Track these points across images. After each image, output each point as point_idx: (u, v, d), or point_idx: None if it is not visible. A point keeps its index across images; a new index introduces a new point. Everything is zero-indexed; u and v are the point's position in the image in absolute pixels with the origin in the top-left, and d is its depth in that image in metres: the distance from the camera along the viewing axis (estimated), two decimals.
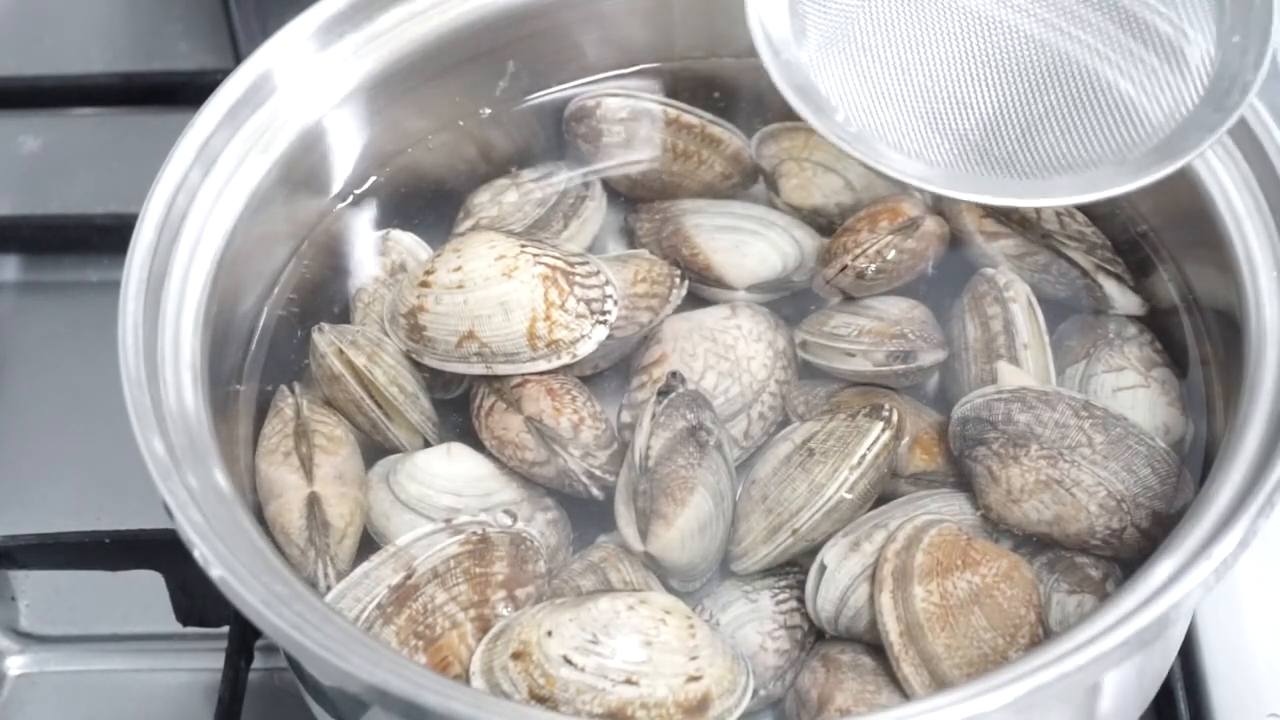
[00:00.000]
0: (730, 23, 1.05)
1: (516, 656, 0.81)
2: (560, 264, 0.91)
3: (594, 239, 1.02)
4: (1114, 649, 0.73)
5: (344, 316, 0.98)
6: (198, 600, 0.98)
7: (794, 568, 0.89)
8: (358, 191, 1.01)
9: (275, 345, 0.96)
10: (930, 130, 0.85)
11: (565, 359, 0.91)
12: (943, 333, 0.95)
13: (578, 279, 0.92)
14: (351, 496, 0.88)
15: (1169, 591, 0.75)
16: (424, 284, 0.91)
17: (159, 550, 0.96)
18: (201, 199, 0.90)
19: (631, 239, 1.02)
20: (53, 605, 1.06)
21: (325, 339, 0.92)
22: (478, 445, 0.92)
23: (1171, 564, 0.76)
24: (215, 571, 0.76)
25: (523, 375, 0.91)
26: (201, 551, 0.76)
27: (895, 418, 0.87)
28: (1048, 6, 0.88)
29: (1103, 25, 0.88)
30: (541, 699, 0.79)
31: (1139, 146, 0.84)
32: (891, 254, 0.95)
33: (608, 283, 0.93)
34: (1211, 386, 0.91)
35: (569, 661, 0.79)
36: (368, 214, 1.01)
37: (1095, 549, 0.87)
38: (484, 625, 0.84)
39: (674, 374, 0.90)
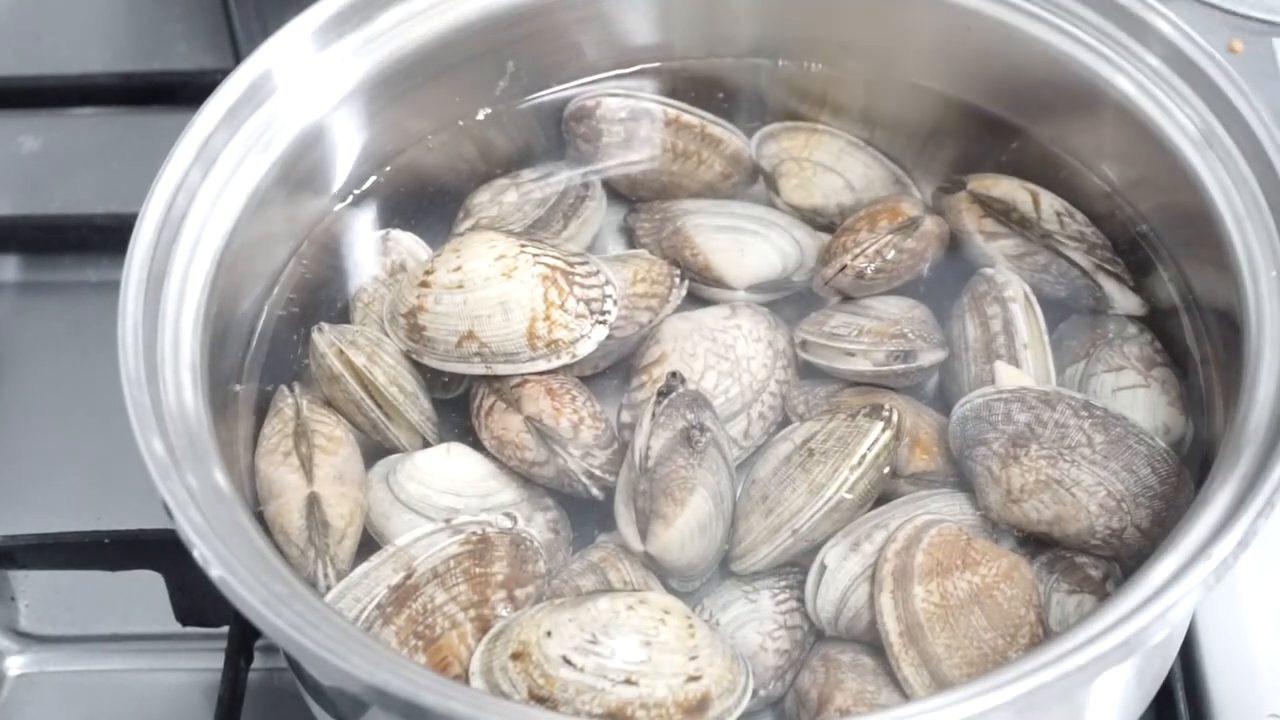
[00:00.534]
0: (730, 23, 1.05)
1: (516, 657, 0.80)
2: (560, 264, 0.91)
3: (594, 239, 1.02)
4: (1114, 649, 0.73)
5: (344, 316, 0.98)
6: (197, 600, 0.98)
7: (794, 568, 0.89)
8: (357, 191, 1.01)
9: (275, 345, 0.96)
10: None
11: (565, 359, 0.91)
12: (943, 332, 0.95)
13: (577, 279, 0.92)
14: (351, 496, 0.88)
15: (1169, 591, 0.75)
16: (424, 284, 0.91)
17: (159, 550, 0.96)
18: (201, 199, 0.90)
19: (631, 239, 1.02)
20: (53, 605, 1.06)
21: (325, 339, 0.92)
22: (478, 445, 0.92)
23: (1171, 564, 0.76)
24: (215, 571, 0.76)
25: (522, 375, 0.91)
26: (201, 551, 0.76)
27: (895, 418, 0.87)
28: None
29: None
30: (541, 699, 0.79)
31: None
32: (891, 254, 0.95)
33: (607, 283, 0.93)
34: (1211, 386, 0.91)
35: (568, 662, 0.79)
36: (368, 214, 1.01)
37: (1095, 549, 0.87)
38: (484, 625, 0.84)
39: (674, 374, 0.90)
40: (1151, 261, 0.96)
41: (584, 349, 0.91)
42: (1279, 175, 0.88)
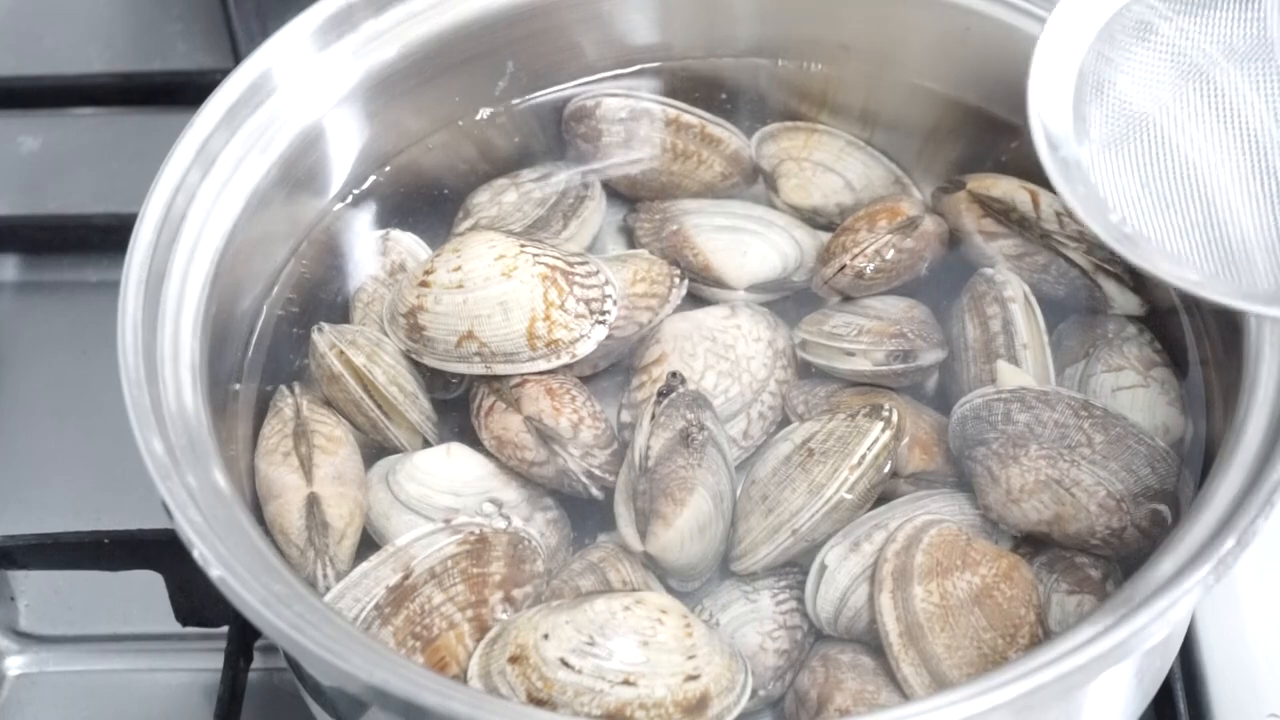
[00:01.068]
0: (730, 23, 1.05)
1: (514, 660, 0.80)
2: (560, 264, 0.91)
3: (594, 239, 1.02)
4: (1114, 649, 0.73)
5: (344, 316, 0.98)
6: (197, 600, 0.98)
7: (794, 568, 0.89)
8: (357, 191, 1.01)
9: (275, 345, 0.96)
10: (1203, 239, 0.83)
11: (565, 359, 0.91)
12: (942, 332, 0.95)
13: (577, 279, 0.92)
14: (351, 496, 0.88)
15: (1169, 591, 0.75)
16: (423, 284, 0.91)
17: (158, 550, 0.96)
18: (201, 199, 0.90)
19: (631, 239, 1.02)
20: (52, 605, 1.06)
21: (325, 339, 0.92)
22: (477, 445, 0.92)
23: (1171, 564, 0.76)
24: (214, 571, 0.76)
25: (522, 375, 0.91)
26: (201, 551, 0.76)
27: (895, 418, 0.87)
28: None
29: None
30: (540, 702, 0.79)
31: None
32: (890, 253, 0.95)
33: (607, 282, 0.93)
34: (1211, 386, 0.91)
35: (566, 664, 0.79)
36: (367, 214, 1.01)
37: (1095, 549, 0.87)
38: (481, 626, 0.84)
39: (674, 374, 0.90)
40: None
41: (584, 349, 0.91)
42: None
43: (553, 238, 0.98)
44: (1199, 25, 0.85)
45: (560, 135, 1.05)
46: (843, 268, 0.95)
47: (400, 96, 1.00)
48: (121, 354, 0.82)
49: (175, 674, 1.03)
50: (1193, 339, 0.93)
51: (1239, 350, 0.85)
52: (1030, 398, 0.88)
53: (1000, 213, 0.97)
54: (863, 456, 0.86)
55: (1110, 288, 0.95)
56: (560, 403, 0.90)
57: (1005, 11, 0.98)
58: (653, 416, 0.88)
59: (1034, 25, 0.97)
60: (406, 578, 0.83)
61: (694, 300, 0.98)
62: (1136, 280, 0.96)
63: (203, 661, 1.01)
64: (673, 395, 0.88)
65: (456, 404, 0.95)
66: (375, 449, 0.93)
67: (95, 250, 1.19)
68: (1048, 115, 0.83)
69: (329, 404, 0.93)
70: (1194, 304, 0.94)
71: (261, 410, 0.93)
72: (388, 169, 1.02)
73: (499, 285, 0.90)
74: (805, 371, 0.96)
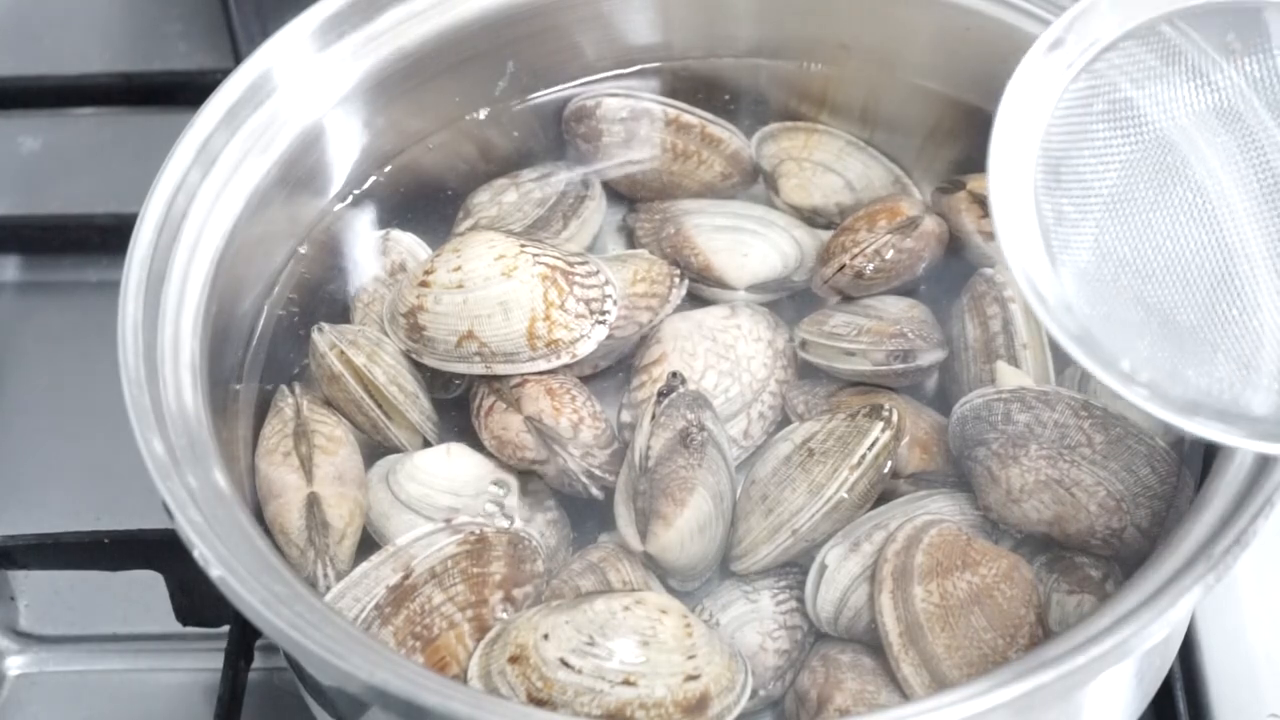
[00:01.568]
0: (730, 23, 1.05)
1: (513, 660, 0.80)
2: (560, 264, 0.91)
3: (594, 239, 1.02)
4: (1114, 649, 0.73)
5: (344, 316, 0.98)
6: (198, 600, 0.98)
7: (794, 568, 0.89)
8: (357, 191, 1.02)
9: (275, 345, 0.96)
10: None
11: (565, 359, 0.91)
12: (942, 332, 0.95)
13: (577, 279, 0.92)
14: (351, 496, 0.88)
15: (1169, 591, 0.75)
16: (423, 284, 0.91)
17: (159, 550, 0.96)
18: (201, 199, 0.90)
19: (631, 239, 1.02)
20: (53, 605, 1.06)
21: (325, 339, 0.92)
22: (478, 445, 0.92)
23: (1171, 564, 0.76)
24: (215, 571, 0.76)
25: (522, 375, 0.91)
26: (201, 551, 0.76)
27: (895, 418, 0.87)
28: None
29: None
30: (540, 702, 0.79)
31: None
32: (890, 253, 0.95)
33: (607, 282, 0.93)
34: None
35: (566, 664, 0.79)
36: (367, 214, 1.01)
37: (1095, 549, 0.87)
38: (481, 625, 0.84)
39: (675, 374, 0.90)
40: None
41: (584, 349, 0.91)
42: None
43: (553, 238, 0.98)
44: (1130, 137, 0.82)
45: (560, 135, 1.05)
46: (842, 267, 0.95)
47: (400, 96, 1.00)
48: (122, 354, 0.82)
49: (175, 674, 1.03)
50: None
51: None
52: (1030, 398, 0.88)
53: None
54: (863, 456, 0.86)
55: None
56: (560, 403, 0.90)
57: (1005, 11, 0.98)
58: (653, 416, 0.88)
59: (1034, 25, 0.97)
60: (407, 577, 0.83)
61: (694, 300, 0.98)
62: None
63: (203, 661, 1.01)
64: (673, 395, 0.88)
65: (456, 404, 0.95)
66: (375, 449, 0.93)
67: (95, 250, 1.19)
68: (1031, 272, 0.80)
69: (329, 404, 0.93)
70: None
71: (262, 410, 0.93)
72: (388, 169, 1.02)
73: (499, 285, 0.90)
74: (805, 371, 0.96)
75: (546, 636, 0.80)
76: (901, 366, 0.93)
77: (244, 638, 0.96)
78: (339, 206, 1.01)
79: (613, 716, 0.79)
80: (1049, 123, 0.81)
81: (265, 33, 0.95)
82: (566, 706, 0.79)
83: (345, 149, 1.00)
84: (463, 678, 0.82)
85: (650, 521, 0.86)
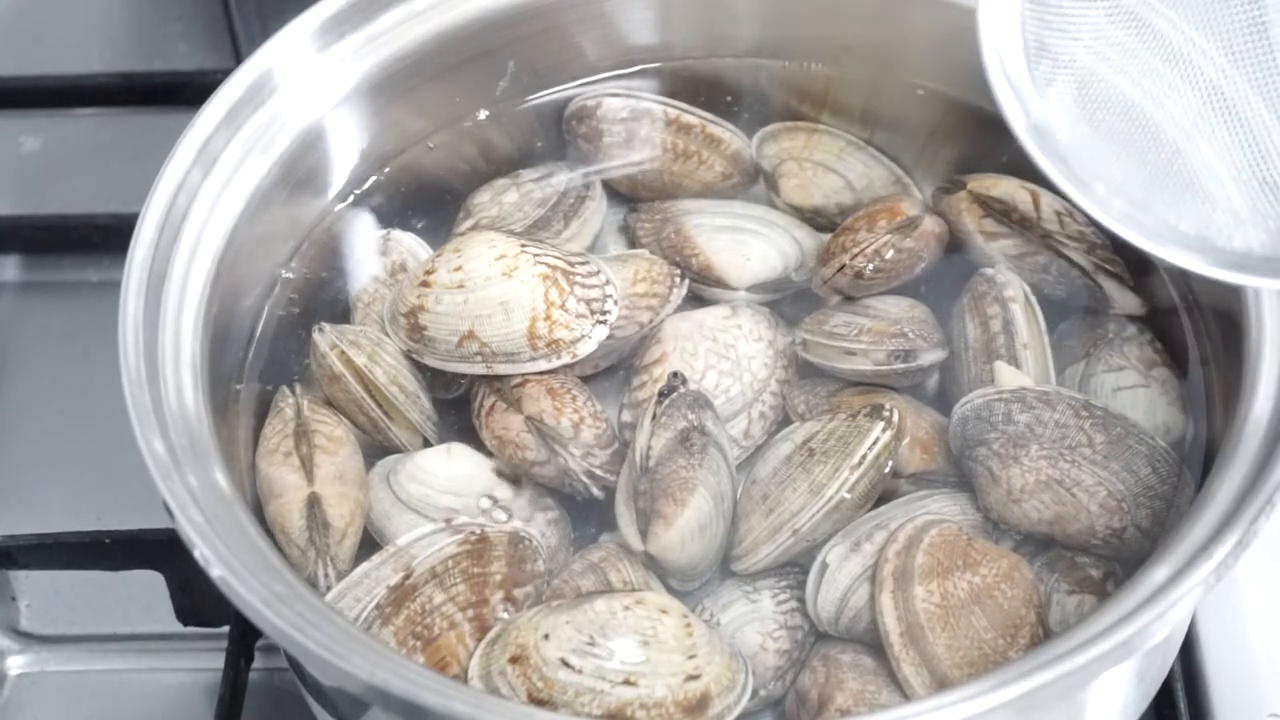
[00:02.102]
0: (730, 23, 1.05)
1: (514, 661, 0.80)
2: (560, 264, 0.91)
3: (594, 239, 1.02)
4: (1114, 649, 0.73)
5: (344, 316, 0.98)
6: (198, 600, 0.98)
7: (794, 568, 0.89)
8: (358, 191, 1.02)
9: (275, 345, 0.96)
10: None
11: (565, 359, 0.91)
12: (943, 332, 0.95)
13: (578, 279, 0.92)
14: (352, 496, 0.88)
15: (1169, 591, 0.75)
16: (424, 284, 0.91)
17: (159, 550, 0.96)
18: (202, 199, 0.90)
19: (632, 239, 1.02)
20: (53, 605, 1.06)
21: (326, 339, 0.92)
22: (478, 445, 0.92)
23: (1171, 564, 0.76)
24: (215, 571, 0.76)
25: (523, 375, 0.91)
26: (201, 551, 0.76)
27: (896, 418, 0.87)
28: None
29: None
30: (540, 702, 0.79)
31: None
32: (890, 253, 0.95)
33: (608, 282, 0.93)
34: (1211, 386, 0.91)
35: (566, 664, 0.79)
36: (368, 214, 1.02)
37: (1096, 549, 0.87)
38: (482, 625, 0.84)
39: (675, 374, 0.90)
40: (1151, 261, 0.96)
41: (584, 349, 0.91)
42: None
43: (553, 238, 0.98)
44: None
45: (561, 135, 1.05)
46: (842, 267, 0.95)
47: (401, 96, 1.00)
48: (122, 354, 0.82)
49: (176, 674, 1.03)
50: (1193, 339, 0.93)
51: (1239, 350, 0.85)
52: (1031, 398, 0.88)
53: (1001, 213, 0.97)
54: (863, 456, 0.86)
55: (1111, 288, 0.95)
56: (561, 403, 0.90)
57: None
58: (654, 416, 0.88)
59: None
60: (407, 577, 0.83)
61: (694, 300, 0.98)
62: (1137, 280, 0.96)
63: (203, 661, 1.01)
64: (674, 395, 0.88)
65: (457, 404, 0.95)
66: (376, 449, 0.93)
67: (96, 250, 1.19)
68: (1016, 97, 0.83)
69: (330, 404, 0.93)
70: (1194, 303, 0.94)
71: (262, 410, 0.93)
72: (388, 169, 1.02)
73: (500, 285, 0.90)
74: (806, 371, 0.96)
75: (547, 636, 0.80)
76: (902, 366, 0.93)
77: (244, 638, 0.96)
78: (339, 206, 1.01)
79: (613, 716, 0.79)
80: None
81: (266, 33, 0.95)
82: (567, 706, 0.79)
83: (346, 149, 1.00)
84: (463, 678, 0.82)
85: (651, 521, 0.86)
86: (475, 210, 1.01)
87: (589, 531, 0.91)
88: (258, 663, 0.97)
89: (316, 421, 0.90)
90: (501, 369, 0.91)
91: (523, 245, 0.91)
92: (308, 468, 0.88)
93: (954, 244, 0.98)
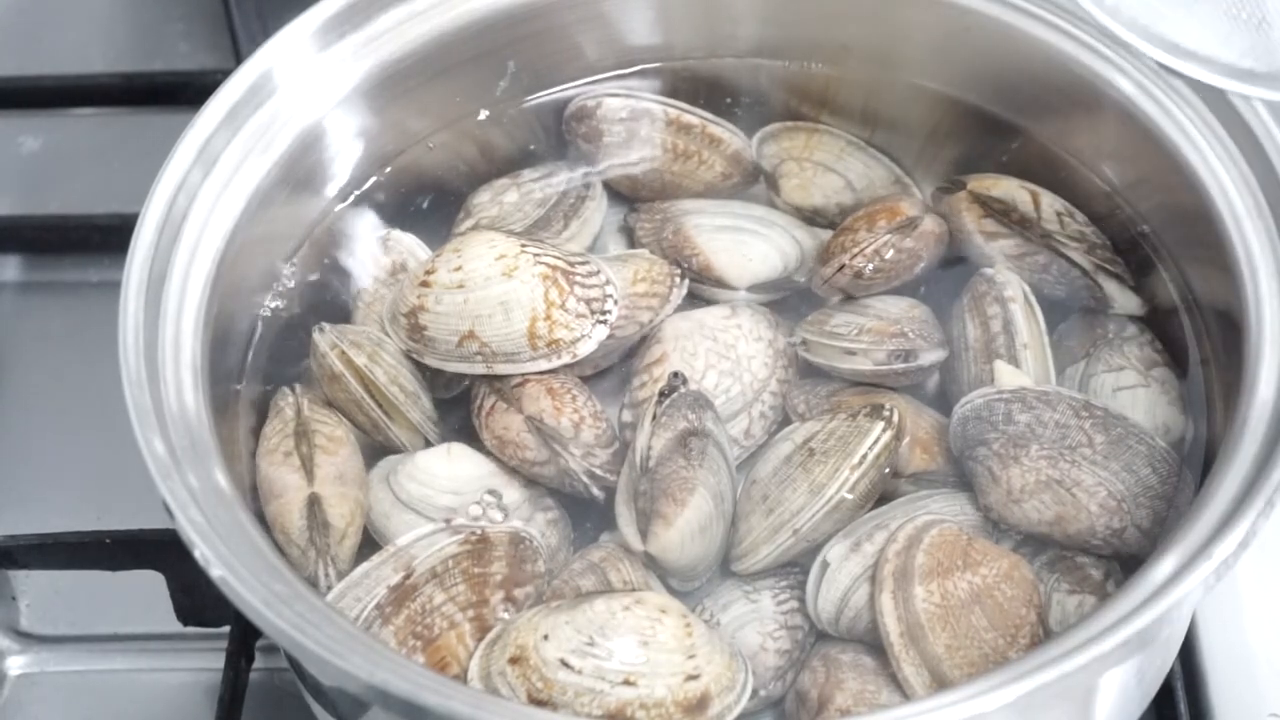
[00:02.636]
0: (730, 23, 1.05)
1: (514, 661, 0.80)
2: (560, 264, 0.91)
3: (594, 239, 1.02)
4: (1114, 649, 0.73)
5: (345, 316, 0.98)
6: (198, 600, 0.98)
7: (794, 568, 0.89)
8: (358, 192, 1.02)
9: (276, 345, 0.96)
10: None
11: (566, 359, 0.91)
12: (943, 332, 0.95)
13: (578, 279, 0.92)
14: (352, 497, 0.88)
15: (1169, 591, 0.75)
16: (424, 284, 0.91)
17: (159, 550, 0.96)
18: (202, 199, 0.90)
19: (632, 239, 1.02)
20: (53, 605, 1.06)
21: (326, 339, 0.92)
22: (478, 445, 0.92)
23: (1171, 564, 0.76)
24: (215, 571, 0.76)
25: (523, 375, 0.91)
26: (202, 551, 0.76)
27: (896, 417, 0.87)
28: None
29: None
30: (540, 703, 0.79)
31: None
32: (890, 253, 0.95)
33: (608, 282, 0.93)
34: (1211, 386, 0.91)
35: (566, 665, 0.79)
36: (368, 214, 1.01)
37: (1096, 549, 0.87)
38: (482, 625, 0.84)
39: (676, 374, 0.90)
40: (1151, 261, 0.96)
41: (585, 349, 0.91)
42: (1279, 175, 0.88)
43: (554, 238, 0.98)
44: None
45: (561, 135, 1.05)
46: (842, 267, 0.95)
47: (401, 96, 1.00)
48: (122, 354, 0.82)
49: (176, 674, 1.03)
50: (1193, 339, 0.93)
51: (1239, 350, 0.85)
52: (1031, 398, 0.88)
53: (1001, 213, 0.97)
54: (864, 456, 0.86)
55: (1111, 288, 0.95)
56: (561, 402, 0.90)
57: (1005, 11, 0.98)
58: (654, 417, 0.88)
59: (1034, 25, 0.97)
60: (407, 577, 0.83)
61: (694, 300, 0.98)
62: (1137, 280, 0.96)
63: (204, 661, 1.01)
64: (674, 395, 0.88)
65: (457, 404, 0.95)
66: (376, 449, 0.93)
67: (96, 250, 1.19)
68: None
69: (330, 404, 0.93)
70: (1194, 304, 0.94)
71: (262, 410, 0.93)
72: (389, 169, 1.02)
73: (500, 285, 0.90)
74: (806, 371, 0.96)
75: (547, 637, 0.80)
76: (902, 366, 0.93)
77: (245, 638, 0.96)
78: (339, 206, 1.01)
79: (613, 717, 0.79)
80: None
81: (266, 33, 0.95)
82: (567, 707, 0.79)
83: (346, 149, 1.00)
84: (463, 678, 0.82)
85: (651, 521, 0.86)
86: (475, 210, 1.01)
87: (589, 531, 0.91)
88: (258, 663, 0.97)
89: (317, 421, 0.90)
90: (501, 369, 0.91)
91: (523, 245, 0.91)
92: (308, 468, 0.88)
93: (954, 244, 0.98)
